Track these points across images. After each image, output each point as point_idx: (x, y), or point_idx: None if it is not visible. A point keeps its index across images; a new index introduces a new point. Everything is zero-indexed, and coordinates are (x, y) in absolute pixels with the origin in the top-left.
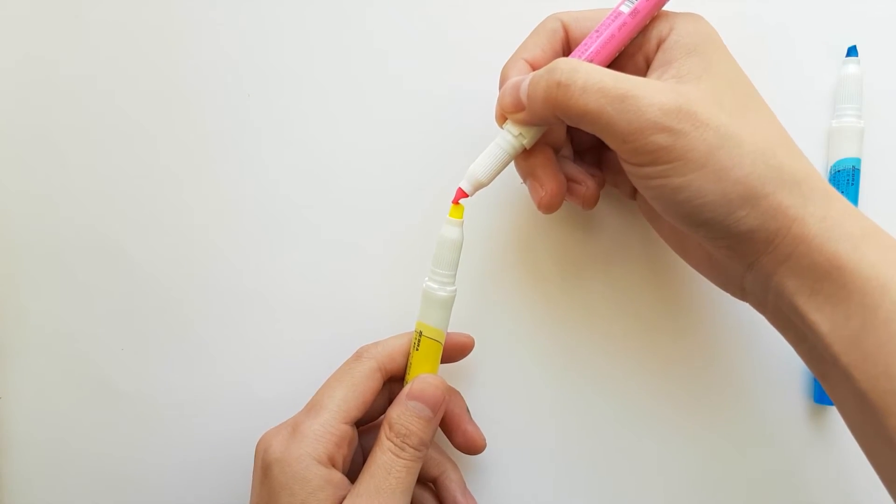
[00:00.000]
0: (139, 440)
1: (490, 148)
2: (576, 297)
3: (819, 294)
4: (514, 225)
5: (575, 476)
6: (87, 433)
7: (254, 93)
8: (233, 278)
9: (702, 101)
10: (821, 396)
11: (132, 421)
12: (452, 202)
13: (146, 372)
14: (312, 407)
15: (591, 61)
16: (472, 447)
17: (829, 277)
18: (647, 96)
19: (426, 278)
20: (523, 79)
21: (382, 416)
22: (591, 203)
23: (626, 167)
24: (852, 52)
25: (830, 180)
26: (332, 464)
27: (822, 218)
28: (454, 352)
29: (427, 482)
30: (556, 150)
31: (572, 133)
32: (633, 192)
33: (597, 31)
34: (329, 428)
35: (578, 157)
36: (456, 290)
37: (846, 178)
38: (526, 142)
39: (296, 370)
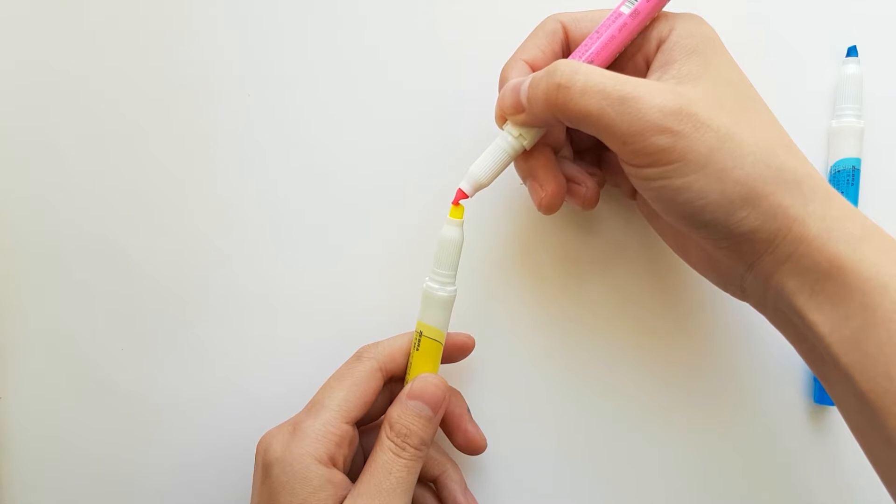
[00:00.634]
0: (139, 440)
1: (490, 149)
2: (576, 297)
3: (819, 294)
4: (514, 225)
5: (575, 476)
6: (86, 433)
7: (254, 93)
8: (233, 278)
9: (702, 102)
10: (821, 396)
11: (132, 421)
12: (452, 203)
13: (146, 372)
14: (313, 407)
15: (591, 62)
16: (473, 447)
17: (830, 277)
18: (647, 98)
19: (426, 278)
20: (523, 80)
21: (383, 416)
22: (591, 203)
23: (626, 168)
24: (852, 52)
25: (830, 180)
26: (333, 463)
27: (822, 218)
28: (455, 352)
29: (428, 482)
30: (556, 151)
31: (572, 133)
32: (634, 192)
33: (597, 31)
34: (330, 427)
35: (578, 157)
36: (456, 290)
37: (846, 178)
38: (526, 143)
39: (296, 370)
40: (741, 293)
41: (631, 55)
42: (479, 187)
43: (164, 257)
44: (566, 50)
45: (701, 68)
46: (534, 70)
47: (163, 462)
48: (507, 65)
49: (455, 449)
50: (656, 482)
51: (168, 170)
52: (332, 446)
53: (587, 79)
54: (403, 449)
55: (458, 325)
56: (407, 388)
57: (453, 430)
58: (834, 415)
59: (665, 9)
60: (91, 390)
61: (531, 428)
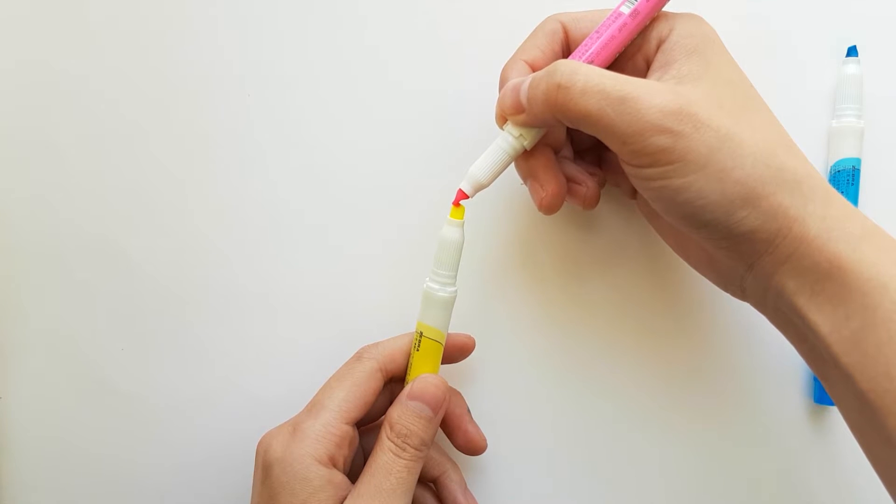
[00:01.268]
0: (139, 440)
1: (490, 149)
2: (576, 297)
3: (819, 294)
4: (514, 225)
5: (575, 476)
6: (86, 433)
7: (254, 93)
8: (233, 278)
9: (702, 102)
10: (821, 396)
11: (132, 421)
12: (453, 203)
13: (146, 372)
14: (313, 407)
15: (591, 63)
16: (473, 448)
17: (830, 277)
18: (647, 98)
19: (427, 279)
20: (523, 80)
21: (383, 417)
22: (591, 203)
23: (626, 168)
24: (852, 52)
25: (830, 180)
26: (333, 464)
27: (822, 218)
28: (455, 352)
29: (428, 482)
30: (556, 151)
31: (572, 133)
32: (634, 192)
33: (597, 31)
34: (330, 428)
35: (578, 157)
36: (457, 290)
37: (846, 178)
38: (526, 143)
39: (296, 370)
40: (741, 293)
41: (631, 55)
42: (479, 188)
43: (164, 257)
44: (566, 50)
45: (701, 68)
46: (534, 70)
47: (163, 462)
48: (507, 65)
49: (455, 449)
50: (656, 482)
51: (168, 170)
52: (332, 447)
53: (587, 79)
54: (404, 449)
55: (459, 326)
56: (407, 388)
57: (453, 430)
58: (834, 415)
59: (665, 8)
60: (91, 390)
61: (531, 428)
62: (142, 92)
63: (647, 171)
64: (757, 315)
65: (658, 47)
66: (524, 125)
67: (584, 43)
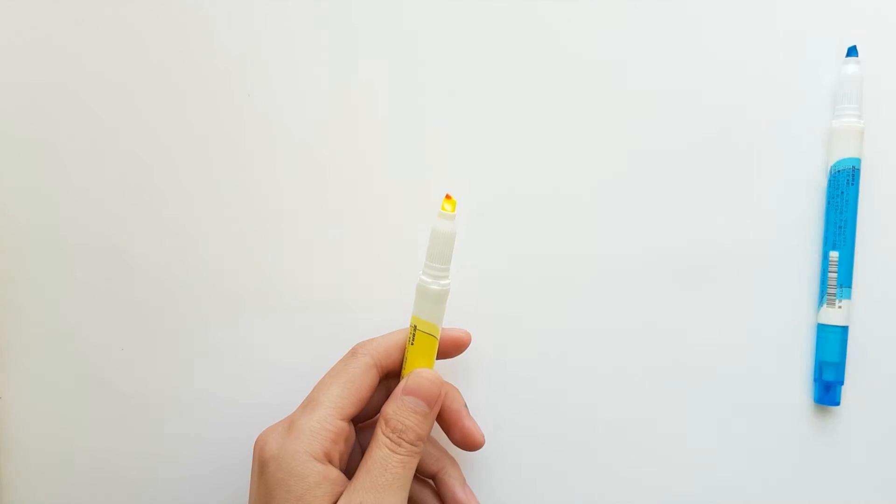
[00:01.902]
0: (139, 440)
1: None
2: (574, 292)
3: None
4: (512, 220)
5: (574, 472)
6: (86, 433)
7: (253, 93)
8: (231, 278)
9: None
10: (821, 396)
11: (132, 421)
12: (446, 197)
13: (146, 372)
14: (308, 404)
15: None
16: (471, 443)
17: None
18: None
19: (420, 272)
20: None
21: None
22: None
23: None
24: (852, 52)
25: (830, 180)
26: (329, 460)
27: None
28: (451, 347)
29: (426, 478)
30: None
31: None
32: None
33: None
34: (325, 424)
35: None
36: (450, 283)
37: (846, 179)
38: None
39: (294, 369)
40: None
41: None
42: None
43: (164, 257)
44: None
45: None
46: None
47: (162, 461)
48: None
49: (453, 445)
50: (656, 480)
51: (168, 169)
52: (327, 443)
53: None
54: (399, 445)
55: (455, 321)
56: (402, 383)
57: (451, 425)
58: (834, 415)
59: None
60: (91, 390)
61: (530, 423)
62: (141, 92)
63: None
64: (758, 315)
65: None
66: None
67: None
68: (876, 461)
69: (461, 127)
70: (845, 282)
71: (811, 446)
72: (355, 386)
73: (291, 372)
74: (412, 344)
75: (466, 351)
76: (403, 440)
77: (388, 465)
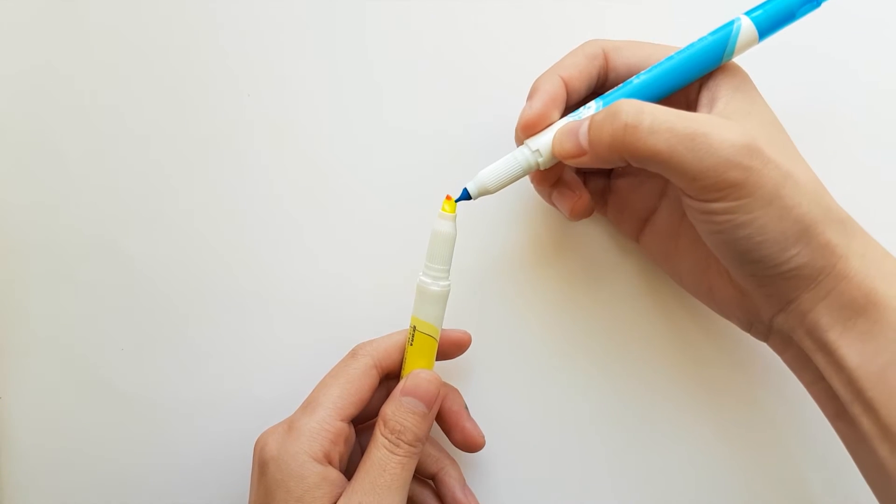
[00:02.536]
0: (139, 440)
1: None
2: (575, 293)
3: (851, 330)
4: (513, 220)
5: (574, 473)
6: (86, 433)
7: (252, 93)
8: (231, 279)
9: (761, 137)
10: None
11: (132, 421)
12: (447, 197)
13: (146, 372)
14: (308, 405)
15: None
16: (471, 444)
17: (864, 313)
18: (717, 134)
19: (420, 273)
20: (579, 123)
21: None
22: (578, 213)
23: (689, 203)
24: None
25: None
26: (329, 461)
27: (862, 256)
28: (451, 348)
29: (426, 479)
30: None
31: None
32: (636, 234)
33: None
34: (325, 425)
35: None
36: (450, 284)
37: None
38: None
39: (294, 370)
40: (764, 333)
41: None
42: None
43: (164, 258)
44: (603, 76)
45: (747, 105)
46: (568, 87)
47: (163, 462)
48: (542, 77)
49: (453, 446)
50: (656, 479)
51: (168, 171)
52: (327, 444)
53: (653, 118)
54: (398, 445)
55: (455, 322)
56: (401, 384)
57: (451, 426)
58: None
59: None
60: (91, 391)
61: (530, 424)
62: (141, 93)
63: (714, 205)
64: None
65: (700, 85)
66: (585, 166)
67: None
68: None
69: (461, 127)
70: None
71: (812, 447)
72: (355, 387)
73: (291, 372)
74: (411, 345)
75: (467, 351)
76: (402, 441)
77: (386, 466)
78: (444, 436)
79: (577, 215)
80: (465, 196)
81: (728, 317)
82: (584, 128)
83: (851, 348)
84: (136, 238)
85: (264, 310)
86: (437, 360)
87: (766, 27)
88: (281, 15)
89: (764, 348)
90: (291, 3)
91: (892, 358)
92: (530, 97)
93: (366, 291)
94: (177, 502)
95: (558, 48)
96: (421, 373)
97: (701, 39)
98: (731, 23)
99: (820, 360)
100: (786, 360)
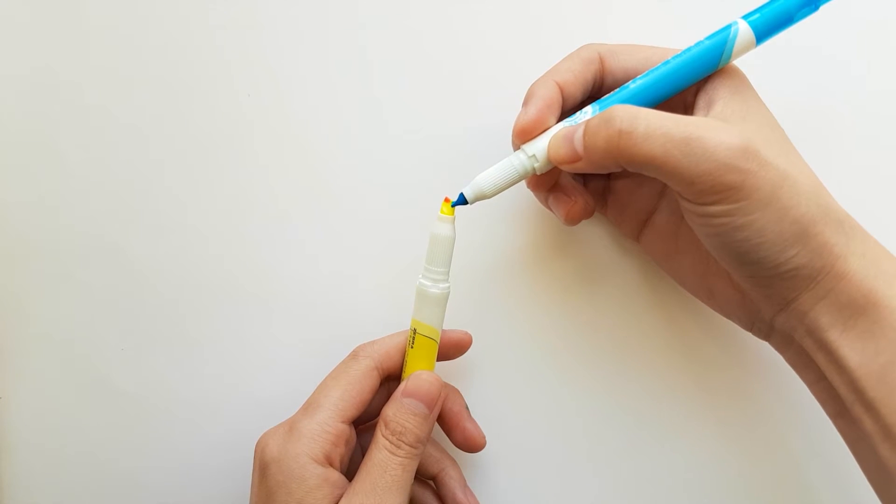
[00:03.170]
0: (139, 440)
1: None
2: (576, 293)
3: (851, 330)
4: (513, 222)
5: (575, 474)
6: (86, 433)
7: (252, 93)
8: (232, 279)
9: (758, 140)
10: None
11: (132, 421)
12: (445, 200)
13: (146, 372)
14: (309, 406)
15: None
16: (472, 445)
17: (864, 313)
18: (712, 137)
19: (419, 276)
20: (574, 129)
21: None
22: (573, 219)
23: (686, 206)
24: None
25: None
26: (330, 462)
27: (861, 255)
28: (452, 349)
29: (427, 479)
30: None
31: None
32: (636, 234)
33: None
34: (325, 427)
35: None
36: (449, 286)
37: None
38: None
39: (295, 371)
40: (766, 332)
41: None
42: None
43: (164, 258)
44: (599, 80)
45: (745, 107)
46: (563, 93)
47: (162, 462)
48: (538, 82)
49: (454, 447)
50: (656, 479)
51: (168, 171)
52: (328, 445)
53: (648, 123)
54: (399, 447)
55: (456, 323)
56: (401, 386)
57: (452, 427)
58: None
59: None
60: (91, 390)
61: (530, 425)
62: (141, 94)
63: (712, 209)
64: None
65: (698, 88)
66: (579, 171)
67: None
68: None
69: (462, 128)
70: None
71: (814, 448)
72: (356, 388)
73: (292, 373)
74: (412, 347)
75: (467, 352)
76: (403, 442)
77: (387, 468)
78: (445, 436)
79: (573, 220)
80: (462, 201)
81: (729, 316)
82: (580, 133)
83: (852, 348)
84: (136, 238)
85: (264, 310)
86: (437, 360)
87: (764, 31)
88: (280, 15)
89: (765, 348)
90: (291, 4)
91: (893, 358)
92: (525, 102)
93: (366, 291)
94: (177, 501)
95: (556, 52)
96: (422, 374)
97: (698, 43)
98: (729, 27)
99: (821, 359)
100: (787, 360)
